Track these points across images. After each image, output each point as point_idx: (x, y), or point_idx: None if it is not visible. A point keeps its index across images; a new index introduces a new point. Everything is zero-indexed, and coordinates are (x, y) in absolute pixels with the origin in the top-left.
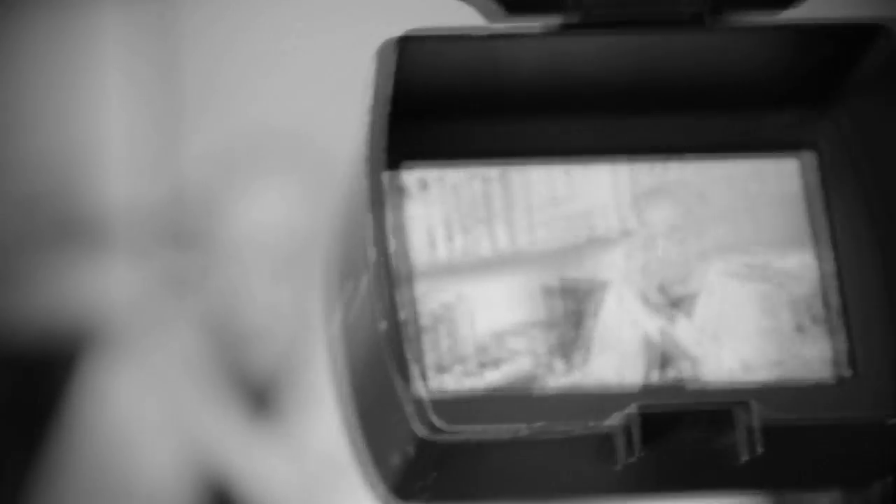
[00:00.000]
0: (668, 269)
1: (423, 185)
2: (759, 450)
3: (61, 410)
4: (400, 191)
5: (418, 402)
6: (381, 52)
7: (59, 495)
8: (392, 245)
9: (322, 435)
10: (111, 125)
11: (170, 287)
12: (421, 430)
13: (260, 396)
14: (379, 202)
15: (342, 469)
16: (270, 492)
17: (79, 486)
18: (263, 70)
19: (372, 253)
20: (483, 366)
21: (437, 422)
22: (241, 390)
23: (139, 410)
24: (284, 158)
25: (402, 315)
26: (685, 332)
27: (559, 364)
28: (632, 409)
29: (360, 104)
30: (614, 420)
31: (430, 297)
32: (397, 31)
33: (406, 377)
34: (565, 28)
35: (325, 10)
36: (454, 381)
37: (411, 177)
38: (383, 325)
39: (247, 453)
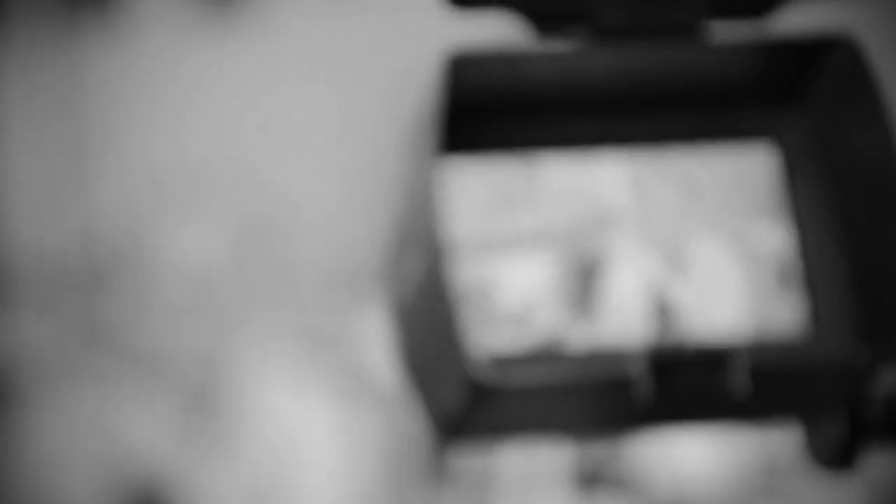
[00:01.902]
0: (666, 242)
1: (461, 175)
2: (749, 391)
3: None
4: (442, 179)
5: (474, 356)
6: (440, 69)
7: None
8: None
9: (254, 448)
10: (17, 171)
11: (83, 332)
12: (478, 378)
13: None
14: (437, 188)
15: (277, 477)
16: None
17: None
18: (167, 110)
19: (434, 229)
20: (508, 332)
21: (487, 375)
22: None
23: (59, 446)
24: (197, 194)
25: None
26: (684, 296)
27: (578, 328)
28: (644, 359)
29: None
30: (631, 368)
31: (465, 272)
32: (308, 64)
33: (465, 334)
34: (584, 46)
35: (233, 44)
36: (486, 345)
37: (451, 168)
38: (449, 289)
39: (181, 467)
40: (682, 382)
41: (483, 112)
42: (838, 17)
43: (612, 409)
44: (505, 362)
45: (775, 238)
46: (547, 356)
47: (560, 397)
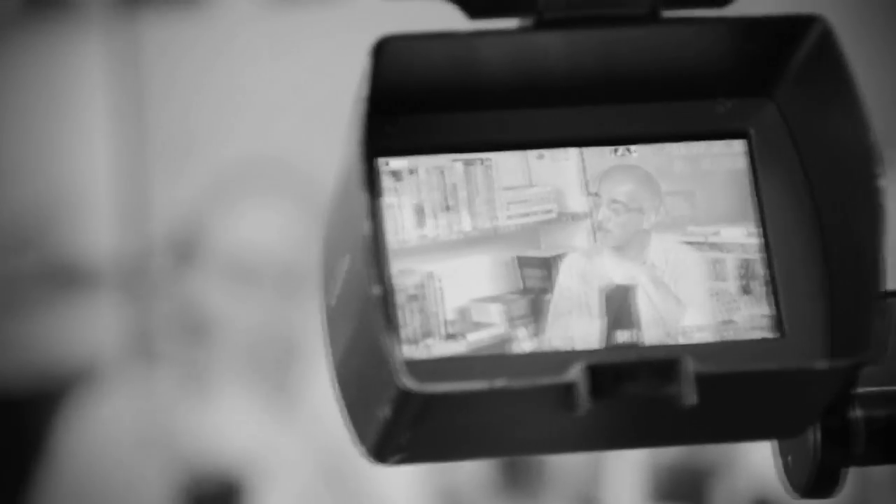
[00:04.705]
0: (627, 240)
1: (399, 176)
2: (695, 399)
3: (50, 445)
4: (380, 180)
5: (402, 361)
6: (369, 55)
7: None
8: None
9: (330, 429)
10: (93, 171)
11: (153, 326)
12: (404, 384)
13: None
14: (368, 187)
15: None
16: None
17: None
18: (235, 106)
19: (365, 228)
20: (452, 336)
21: (415, 381)
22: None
23: (127, 436)
24: (263, 188)
25: (388, 285)
26: (642, 296)
27: (525, 329)
28: (581, 364)
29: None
30: (567, 375)
31: (406, 275)
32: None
33: (392, 337)
34: (531, 27)
35: (290, 39)
36: (427, 350)
37: (389, 168)
38: (376, 290)
39: (258, 448)
40: (623, 391)
41: (432, 109)
42: (798, 7)
43: (554, 420)
44: (443, 368)
45: (744, 237)
46: (489, 362)
47: (499, 405)
